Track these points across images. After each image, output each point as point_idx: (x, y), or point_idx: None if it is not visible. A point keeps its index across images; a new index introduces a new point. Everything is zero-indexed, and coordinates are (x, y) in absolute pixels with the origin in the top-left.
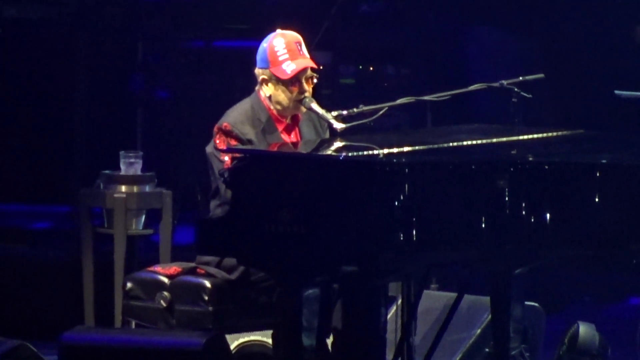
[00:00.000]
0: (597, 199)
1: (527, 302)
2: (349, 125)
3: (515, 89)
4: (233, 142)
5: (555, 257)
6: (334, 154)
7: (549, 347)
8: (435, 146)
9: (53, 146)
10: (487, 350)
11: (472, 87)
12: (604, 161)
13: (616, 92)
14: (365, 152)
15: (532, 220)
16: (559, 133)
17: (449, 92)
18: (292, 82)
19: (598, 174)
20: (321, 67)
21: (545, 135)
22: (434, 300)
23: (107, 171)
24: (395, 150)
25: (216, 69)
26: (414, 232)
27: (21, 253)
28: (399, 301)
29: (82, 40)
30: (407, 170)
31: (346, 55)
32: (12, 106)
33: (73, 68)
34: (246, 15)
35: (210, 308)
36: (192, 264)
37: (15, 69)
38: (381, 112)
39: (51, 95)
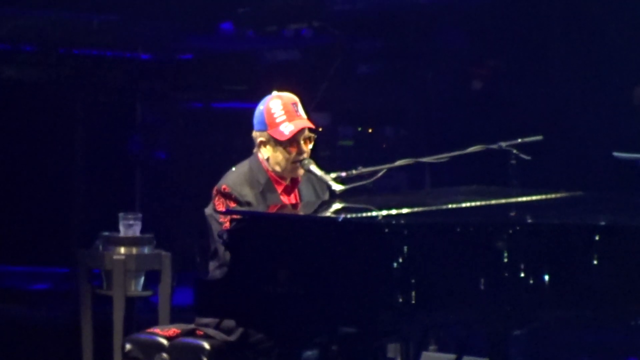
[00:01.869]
0: (595, 261)
1: None
2: (347, 186)
3: (514, 151)
4: (232, 204)
5: (554, 318)
6: (332, 215)
7: None
8: (434, 208)
9: (52, 208)
10: None
11: (470, 149)
12: (602, 223)
13: (615, 153)
14: (364, 214)
15: (531, 281)
16: (558, 195)
17: (447, 154)
18: (290, 143)
19: (597, 237)
20: (320, 129)
21: (543, 196)
22: None
23: (106, 233)
24: (394, 212)
25: (214, 130)
26: (413, 293)
27: (20, 314)
28: None
29: (80, 101)
30: (405, 231)
31: (345, 116)
32: (11, 167)
33: (71, 129)
34: (244, 76)
35: None
36: (191, 326)
37: (14, 130)
38: (380, 174)
39: (49, 156)
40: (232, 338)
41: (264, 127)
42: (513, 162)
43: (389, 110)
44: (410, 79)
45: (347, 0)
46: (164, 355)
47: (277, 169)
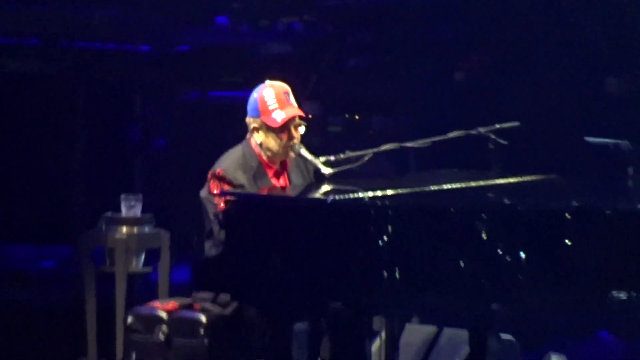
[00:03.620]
0: (568, 241)
1: (502, 335)
2: (336, 170)
3: (492, 136)
4: (226, 187)
5: (530, 295)
6: (322, 197)
7: None
8: (417, 190)
9: (57, 191)
10: None
11: (451, 135)
12: (575, 205)
13: (587, 138)
14: (351, 196)
15: (508, 260)
16: (533, 178)
17: (429, 139)
18: (282, 129)
19: (569, 217)
20: (311, 116)
21: (520, 179)
22: (415, 333)
23: (108, 213)
24: (379, 194)
25: (210, 119)
26: (397, 270)
27: (27, 291)
28: (382, 335)
29: (82, 91)
30: (390, 213)
31: (334, 105)
32: (19, 153)
33: (75, 118)
34: (239, 68)
35: (206, 341)
36: (189, 300)
37: (21, 119)
38: (366, 158)
39: (55, 143)
40: (227, 311)
41: (257, 114)
42: (491, 147)
43: (376, 99)
44: (397, 70)
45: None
46: (164, 327)
47: (269, 153)
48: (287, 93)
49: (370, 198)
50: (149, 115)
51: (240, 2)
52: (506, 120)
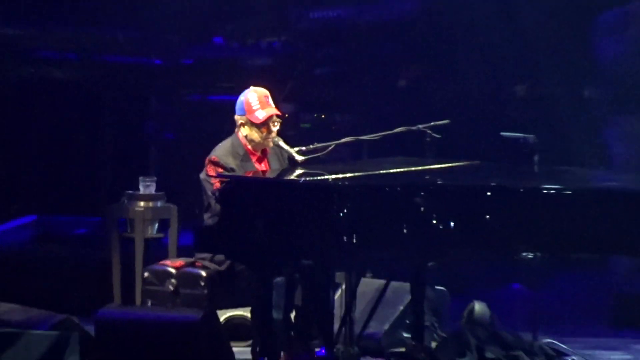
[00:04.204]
0: (488, 212)
1: (437, 287)
2: (306, 157)
3: (428, 131)
4: (220, 170)
5: (457, 254)
6: (295, 178)
7: (453, 320)
8: (370, 173)
9: (89, 173)
10: (407, 322)
11: (396, 130)
12: (493, 184)
13: (502, 133)
14: (318, 178)
15: (441, 227)
16: (461, 163)
17: (379, 134)
18: (263, 125)
19: (489, 194)
20: (286, 115)
21: (450, 165)
22: (369, 285)
23: (129, 191)
24: (340, 176)
25: (208, 116)
26: (354, 236)
27: (65, 252)
28: (343, 286)
29: (110, 94)
30: (348, 191)
31: (304, 106)
32: (61, 144)
33: (103, 115)
34: (231, 77)
35: (206, 291)
36: (192, 259)
37: (63, 117)
38: (330, 148)
39: (88, 135)
40: (222, 268)
41: (243, 113)
42: (428, 139)
43: (338, 101)
44: (354, 78)
45: (306, 20)
46: (173, 280)
47: (252, 144)
48: (267, 96)
49: (332, 179)
50: (160, 114)
51: (231, 26)
52: (439, 119)
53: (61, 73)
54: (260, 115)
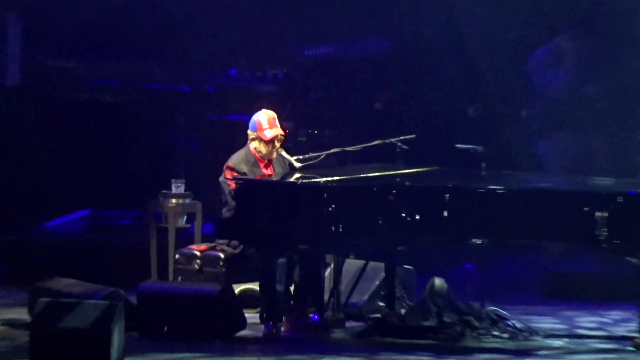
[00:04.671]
0: (445, 209)
1: (405, 266)
2: (303, 164)
3: (398, 143)
4: (235, 174)
5: (422, 241)
6: (294, 181)
7: (418, 293)
8: (353, 176)
9: (133, 176)
10: (382, 293)
11: (373, 142)
12: (450, 185)
13: (457, 145)
14: (312, 180)
15: (408, 220)
16: (424, 169)
17: (360, 145)
18: (270, 142)
19: (447, 195)
20: (287, 131)
21: (415, 170)
22: (352, 265)
23: (164, 190)
24: (329, 178)
25: (226, 131)
26: (340, 226)
27: (113, 239)
28: (332, 265)
29: (148, 115)
30: (336, 190)
31: (302, 123)
32: (111, 154)
33: (144, 130)
34: (243, 100)
35: (224, 270)
36: (213, 244)
37: (111, 132)
38: (321, 157)
39: (131, 147)
40: (237, 251)
41: (255, 130)
42: (398, 150)
43: (327, 119)
44: (339, 101)
45: (301, 56)
46: (197, 261)
47: (260, 154)
48: (274, 118)
49: (323, 181)
50: (188, 129)
51: (244, 60)
52: (407, 133)
53: (109, 97)
54: (268, 134)
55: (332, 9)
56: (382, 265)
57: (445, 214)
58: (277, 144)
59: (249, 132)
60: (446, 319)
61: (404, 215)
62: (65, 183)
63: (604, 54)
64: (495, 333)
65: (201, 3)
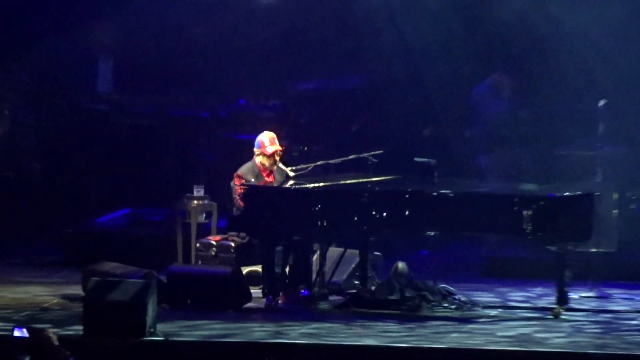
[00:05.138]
0: (407, 207)
1: (375, 252)
2: (296, 173)
3: (370, 157)
4: (242, 181)
5: (388, 233)
6: (289, 187)
7: (385, 273)
8: (334, 183)
9: (163, 183)
10: (357, 274)
11: (351, 156)
12: (409, 189)
13: (415, 158)
14: (303, 185)
15: (377, 216)
16: (390, 177)
17: (341, 158)
18: (271, 156)
19: (407, 195)
20: (284, 147)
21: (383, 178)
22: (333, 251)
23: (188, 194)
24: (316, 184)
25: (237, 148)
26: (325, 222)
27: (148, 231)
28: (318, 252)
29: (176, 134)
30: (321, 193)
31: (295, 141)
32: (143, 164)
33: (171, 146)
34: (250, 123)
35: (234, 255)
36: (226, 236)
37: (146, 148)
38: (310, 168)
39: (161, 159)
40: (244, 241)
41: (259, 147)
42: (370, 162)
43: (314, 138)
44: (324, 124)
45: (294, 89)
46: (214, 249)
47: (263, 166)
48: (274, 138)
49: (311, 187)
50: (206, 146)
51: (250, 92)
52: (377, 149)
53: (147, 121)
54: (269, 150)
55: (317, 54)
56: (357, 252)
57: (406, 212)
58: (277, 158)
59: (254, 149)
60: (407, 294)
61: (374, 213)
62: (111, 188)
63: (530, 86)
64: (445, 305)
65: (217, 50)
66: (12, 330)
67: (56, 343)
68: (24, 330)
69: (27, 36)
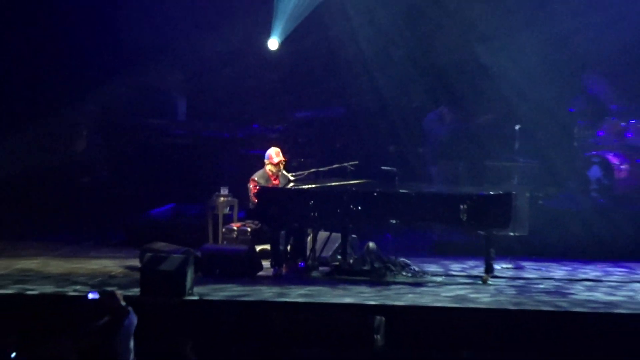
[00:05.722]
0: (375, 204)
1: (353, 235)
2: (295, 178)
3: (349, 166)
4: (255, 184)
5: (362, 223)
6: (289, 187)
7: (359, 250)
8: (322, 185)
9: (197, 184)
10: (339, 251)
11: (335, 166)
12: (378, 190)
13: (381, 167)
14: (300, 187)
15: (354, 210)
16: (362, 181)
17: (328, 167)
18: (276, 165)
19: (375, 194)
20: (286, 159)
21: (358, 181)
22: (322, 235)
23: (216, 192)
24: (310, 186)
25: (253, 160)
26: (316, 213)
27: (187, 221)
28: (311, 236)
29: (203, 149)
30: (313, 192)
31: (294, 155)
32: (182, 172)
33: (202, 160)
34: (260, 141)
35: (250, 237)
36: (244, 223)
37: (182, 161)
38: (305, 174)
39: (195, 168)
40: (257, 227)
41: (268, 159)
42: (348, 170)
43: (309, 153)
44: (315, 143)
45: (294, 117)
46: (235, 232)
47: (271, 172)
48: (278, 151)
49: (306, 187)
50: (229, 159)
51: (261, 119)
52: (353, 161)
53: (179, 140)
54: (275, 160)
55: (311, 91)
56: (339, 235)
57: (375, 206)
58: (281, 166)
59: (265, 160)
60: (376, 265)
61: (351, 207)
62: (160, 189)
63: (465, 115)
64: (404, 274)
65: (237, 88)
66: (87, 294)
67: (122, 302)
68: (97, 293)
69: (95, 79)
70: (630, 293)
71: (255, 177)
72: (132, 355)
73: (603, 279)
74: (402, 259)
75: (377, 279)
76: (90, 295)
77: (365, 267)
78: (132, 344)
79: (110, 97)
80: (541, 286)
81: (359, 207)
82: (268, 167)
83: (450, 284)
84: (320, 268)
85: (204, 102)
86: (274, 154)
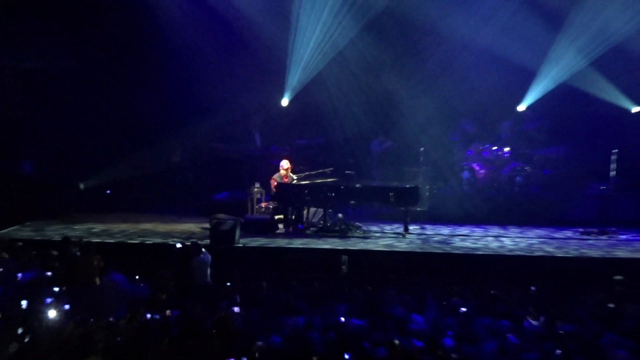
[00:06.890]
0: (351, 194)
1: (329, 210)
2: (297, 178)
3: (328, 171)
4: (274, 181)
5: (341, 205)
6: (295, 183)
7: (333, 218)
8: (313, 182)
9: (237, 180)
10: (322, 219)
11: (319, 170)
12: (358, 185)
13: (346, 172)
14: (300, 183)
15: (330, 195)
16: (335, 179)
17: (316, 171)
18: (286, 170)
19: (342, 187)
20: (292, 166)
21: (332, 179)
22: (313, 210)
23: (252, 186)
24: (305, 182)
25: (270, 167)
26: (308, 197)
27: (236, 201)
28: (306, 209)
29: (246, 163)
30: (308, 186)
31: (297, 164)
32: (226, 173)
33: (246, 168)
34: (276, 157)
35: (271, 211)
36: (268, 203)
37: (222, 168)
38: (303, 176)
39: (243, 173)
40: (276, 205)
41: (281, 166)
42: (327, 173)
43: (305, 164)
44: (309, 158)
45: (296, 143)
46: (263, 208)
47: (284, 174)
48: (287, 162)
49: (304, 183)
50: (258, 166)
51: (276, 143)
52: (330, 167)
53: (234, 155)
54: (285, 167)
55: (305, 128)
56: (322, 209)
57: (342, 193)
58: (289, 171)
59: (280, 167)
60: (342, 227)
61: (329, 194)
62: (220, 183)
63: (395, 139)
64: (358, 231)
65: (265, 125)
66: (175, 244)
67: (203, 248)
68: (180, 244)
69: (190, 118)
70: (485, 243)
71: (275, 177)
72: (209, 278)
73: (470, 235)
74: (357, 223)
75: (343, 235)
76: (178, 245)
77: (336, 228)
78: (209, 271)
79: (196, 132)
80: (435, 239)
81: (333, 194)
82: (282, 171)
83: (384, 237)
84: (311, 228)
85: (245, 132)
86: (285, 163)
